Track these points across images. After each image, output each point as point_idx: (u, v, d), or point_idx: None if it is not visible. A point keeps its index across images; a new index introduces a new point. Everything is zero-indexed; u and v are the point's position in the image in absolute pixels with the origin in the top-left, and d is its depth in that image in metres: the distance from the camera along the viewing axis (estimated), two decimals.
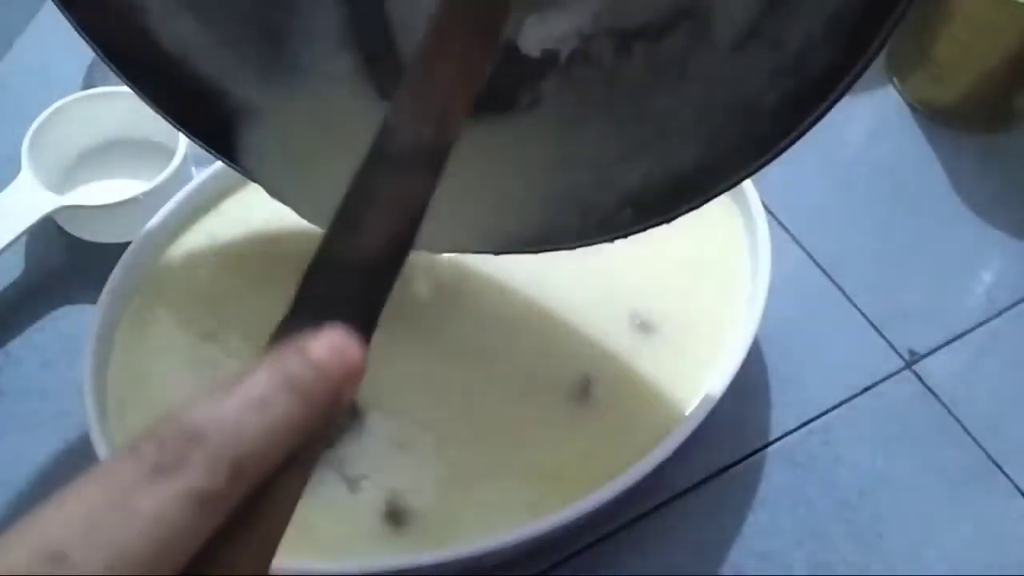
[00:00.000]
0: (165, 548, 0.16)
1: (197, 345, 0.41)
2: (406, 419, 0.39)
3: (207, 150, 0.38)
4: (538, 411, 0.39)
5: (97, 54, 0.35)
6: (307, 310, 0.21)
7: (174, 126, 0.37)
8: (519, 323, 0.42)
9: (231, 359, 0.40)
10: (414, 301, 0.42)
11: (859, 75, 0.27)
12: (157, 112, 0.37)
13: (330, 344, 0.18)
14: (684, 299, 0.42)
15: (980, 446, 0.43)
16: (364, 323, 0.20)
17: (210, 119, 0.37)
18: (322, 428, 0.18)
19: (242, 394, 0.17)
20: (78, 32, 0.34)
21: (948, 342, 0.46)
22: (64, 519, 0.16)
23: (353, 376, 0.19)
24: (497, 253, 0.37)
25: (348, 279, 0.21)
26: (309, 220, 0.37)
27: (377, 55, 0.35)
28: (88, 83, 0.54)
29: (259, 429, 0.17)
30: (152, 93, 0.36)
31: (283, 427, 0.17)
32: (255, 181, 0.38)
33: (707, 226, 0.44)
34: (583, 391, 0.39)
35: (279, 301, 0.45)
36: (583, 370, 0.40)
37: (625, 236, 0.34)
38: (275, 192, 0.38)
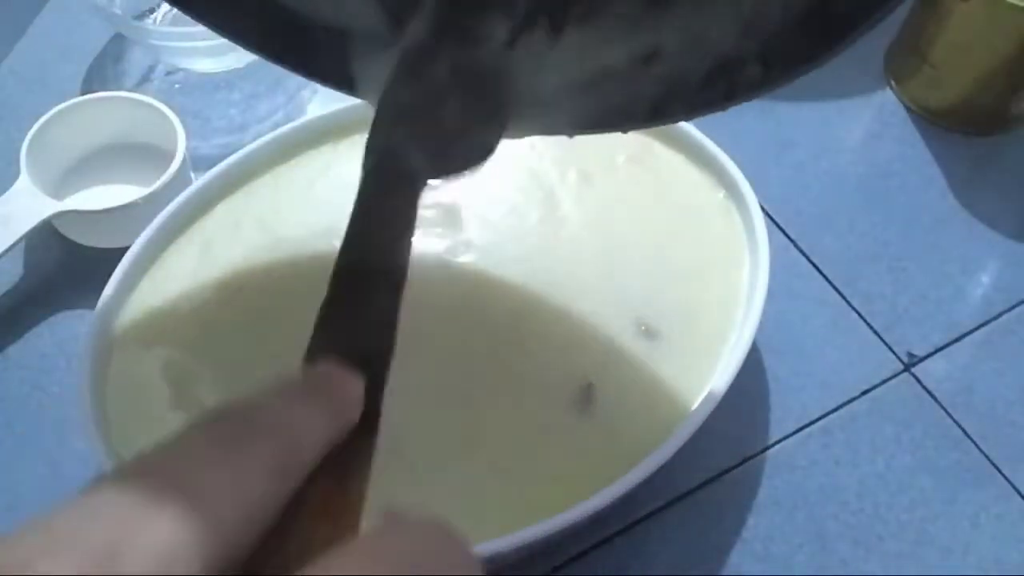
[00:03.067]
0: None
1: (195, 350, 0.41)
2: (404, 425, 0.39)
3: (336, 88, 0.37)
4: (539, 417, 0.39)
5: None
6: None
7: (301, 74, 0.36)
8: (522, 329, 0.42)
9: (228, 363, 0.40)
10: (413, 306, 0.42)
11: None
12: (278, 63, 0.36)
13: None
14: (684, 304, 0.42)
15: (979, 448, 0.43)
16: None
17: (331, 61, 0.35)
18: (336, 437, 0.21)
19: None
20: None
21: (947, 345, 0.46)
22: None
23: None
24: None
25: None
26: None
27: None
28: (87, 88, 0.54)
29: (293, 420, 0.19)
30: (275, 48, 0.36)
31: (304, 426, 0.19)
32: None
33: (706, 230, 0.44)
34: (585, 397, 0.39)
35: (274, 303, 0.46)
36: (586, 376, 0.40)
37: (745, 100, 0.31)
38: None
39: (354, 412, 0.22)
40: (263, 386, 0.20)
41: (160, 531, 0.15)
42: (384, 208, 0.27)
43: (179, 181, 0.45)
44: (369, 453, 0.23)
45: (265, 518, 0.17)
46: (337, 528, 0.20)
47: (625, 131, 0.36)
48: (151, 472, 0.16)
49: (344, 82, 0.36)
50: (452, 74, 0.31)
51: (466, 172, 0.31)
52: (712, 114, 0.32)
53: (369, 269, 0.26)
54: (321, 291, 0.24)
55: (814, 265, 0.48)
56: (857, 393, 0.44)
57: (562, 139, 0.47)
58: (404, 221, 0.27)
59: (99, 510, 0.15)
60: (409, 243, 0.26)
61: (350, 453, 0.21)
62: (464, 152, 0.31)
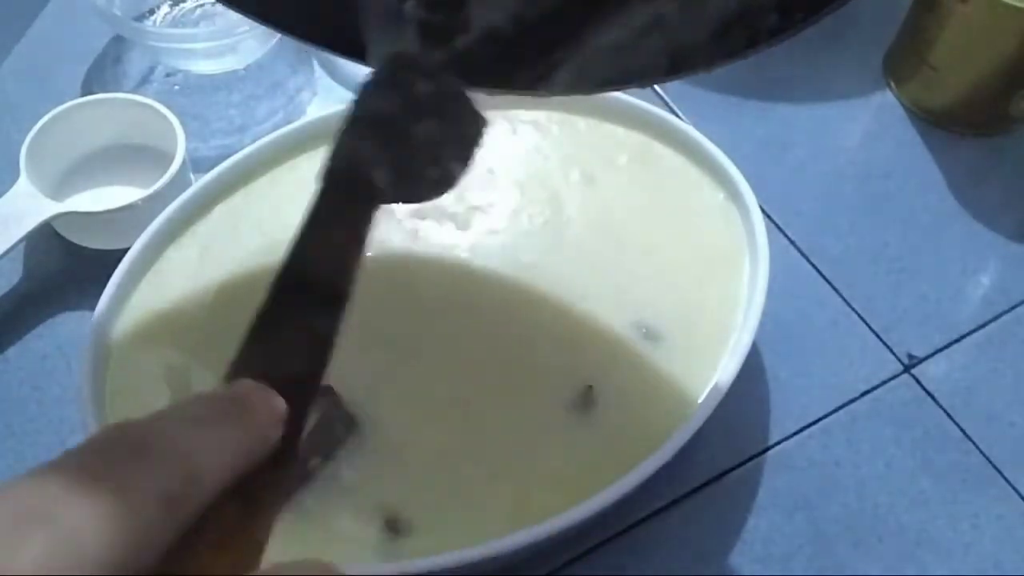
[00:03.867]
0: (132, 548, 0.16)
1: (193, 351, 0.41)
2: (405, 428, 0.39)
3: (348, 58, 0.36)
4: (540, 418, 0.39)
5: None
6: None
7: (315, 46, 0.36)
8: (523, 331, 0.42)
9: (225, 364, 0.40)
10: (414, 309, 0.42)
11: None
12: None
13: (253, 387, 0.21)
14: (684, 306, 0.42)
15: (979, 449, 0.43)
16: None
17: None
18: (259, 455, 0.20)
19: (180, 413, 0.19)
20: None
21: (947, 346, 0.46)
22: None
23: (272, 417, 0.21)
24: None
25: None
26: None
27: None
28: (87, 89, 0.54)
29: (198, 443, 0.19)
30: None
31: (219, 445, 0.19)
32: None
33: (706, 232, 0.44)
34: (586, 400, 0.39)
35: None
36: (586, 379, 0.40)
37: (766, 46, 0.31)
38: None
39: (271, 435, 0.21)
40: (175, 402, 0.19)
41: (36, 544, 0.15)
42: (336, 220, 0.26)
43: (178, 183, 0.45)
44: (284, 485, 0.21)
45: (154, 544, 0.17)
46: (236, 563, 0.19)
47: (644, 87, 0.35)
48: (41, 483, 0.16)
49: (353, 51, 0.35)
50: (436, 92, 0.30)
51: (423, 200, 0.30)
52: (734, 63, 0.31)
53: (310, 283, 0.24)
54: None
55: (814, 266, 0.48)
56: (857, 394, 0.44)
57: (565, 140, 0.47)
58: (355, 238, 0.25)
59: None
60: (357, 263, 0.25)
61: (263, 484, 0.20)
62: (428, 178, 0.29)
